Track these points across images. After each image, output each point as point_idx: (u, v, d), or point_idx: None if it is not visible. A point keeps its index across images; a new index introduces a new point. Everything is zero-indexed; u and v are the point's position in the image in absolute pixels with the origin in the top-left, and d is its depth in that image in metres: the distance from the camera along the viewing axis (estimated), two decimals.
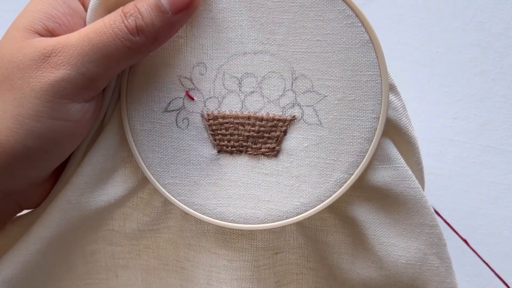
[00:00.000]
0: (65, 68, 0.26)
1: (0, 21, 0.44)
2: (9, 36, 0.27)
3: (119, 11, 0.27)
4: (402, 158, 0.29)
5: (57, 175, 0.31)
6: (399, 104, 0.29)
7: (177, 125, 0.30)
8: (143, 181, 0.32)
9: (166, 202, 0.32)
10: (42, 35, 0.27)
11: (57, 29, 0.27)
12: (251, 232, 0.31)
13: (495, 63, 0.42)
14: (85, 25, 0.29)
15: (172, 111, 0.30)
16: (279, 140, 0.29)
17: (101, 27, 0.26)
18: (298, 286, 0.34)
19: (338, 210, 0.31)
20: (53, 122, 0.26)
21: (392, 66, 0.42)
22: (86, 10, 0.29)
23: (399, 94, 0.29)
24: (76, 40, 0.26)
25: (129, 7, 0.26)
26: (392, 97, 0.29)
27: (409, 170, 0.29)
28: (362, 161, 0.28)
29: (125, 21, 0.26)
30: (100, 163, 0.30)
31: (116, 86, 0.30)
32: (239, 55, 0.29)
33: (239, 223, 0.30)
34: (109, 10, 0.28)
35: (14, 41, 0.26)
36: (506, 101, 0.43)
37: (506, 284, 0.39)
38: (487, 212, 0.44)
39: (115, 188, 0.31)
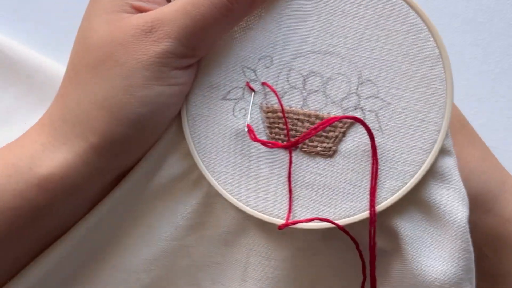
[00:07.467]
0: (167, 41, 0.27)
1: (1, 21, 0.43)
2: (102, 20, 0.28)
3: None
4: (460, 179, 0.29)
5: None
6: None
7: (233, 114, 0.30)
8: (188, 171, 0.31)
9: (208, 195, 0.32)
10: (132, 14, 0.28)
11: (143, 6, 0.28)
12: (293, 231, 0.31)
13: (495, 63, 0.43)
14: None
15: (231, 99, 0.30)
16: (336, 141, 0.30)
17: None
18: None
19: (383, 220, 0.31)
20: (161, 87, 0.27)
21: None
22: None
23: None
24: (174, 13, 0.27)
25: None
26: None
27: (464, 192, 0.29)
28: (418, 171, 0.29)
29: None
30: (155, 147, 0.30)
31: None
32: (308, 54, 0.29)
33: (284, 220, 0.30)
34: None
35: (110, 23, 0.28)
36: (506, 101, 0.43)
37: None
38: None
39: (161, 177, 0.31)
